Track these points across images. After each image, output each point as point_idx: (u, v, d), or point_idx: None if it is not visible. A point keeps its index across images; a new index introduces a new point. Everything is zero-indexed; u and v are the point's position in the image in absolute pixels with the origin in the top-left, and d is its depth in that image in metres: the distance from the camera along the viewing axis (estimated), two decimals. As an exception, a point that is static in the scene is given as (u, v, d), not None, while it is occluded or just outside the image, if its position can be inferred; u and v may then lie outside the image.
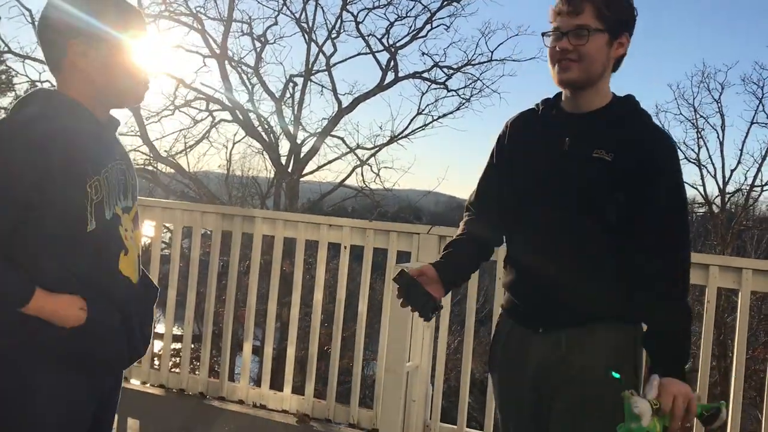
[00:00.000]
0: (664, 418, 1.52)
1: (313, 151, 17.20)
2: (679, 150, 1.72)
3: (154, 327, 1.73)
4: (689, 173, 17.82)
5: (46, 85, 16.40)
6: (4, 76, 17.76)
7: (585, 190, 1.64)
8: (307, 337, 3.84)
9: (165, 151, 16.47)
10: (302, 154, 17.10)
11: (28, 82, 16.66)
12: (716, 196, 18.01)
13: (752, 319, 12.59)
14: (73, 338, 1.48)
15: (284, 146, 17.30)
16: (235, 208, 5.33)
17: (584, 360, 1.66)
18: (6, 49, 16.48)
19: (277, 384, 3.81)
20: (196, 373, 4.02)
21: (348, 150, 17.26)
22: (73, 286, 1.48)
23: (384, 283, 3.47)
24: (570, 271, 1.67)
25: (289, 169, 16.65)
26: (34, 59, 16.56)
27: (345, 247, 3.60)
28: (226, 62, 16.70)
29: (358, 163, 17.13)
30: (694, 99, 18.67)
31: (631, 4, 1.69)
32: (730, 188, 17.93)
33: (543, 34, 1.69)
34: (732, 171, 17.79)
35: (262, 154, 17.06)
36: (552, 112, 1.76)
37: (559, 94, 1.79)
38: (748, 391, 14.84)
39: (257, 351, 5.69)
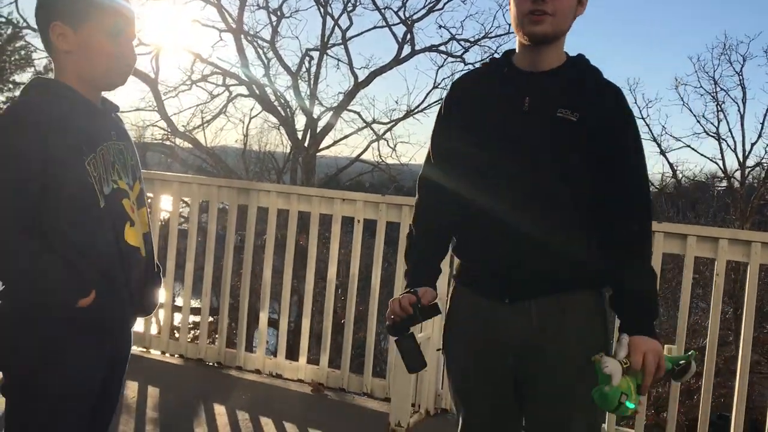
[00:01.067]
0: (636, 376, 1.52)
1: (329, 125, 17.23)
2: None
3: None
4: (709, 147, 17.59)
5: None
6: (23, 52, 17.92)
7: (551, 150, 1.60)
8: (322, 309, 3.92)
9: (182, 126, 16.59)
10: (318, 129, 17.13)
11: (47, 57, 16.81)
12: (736, 170, 17.85)
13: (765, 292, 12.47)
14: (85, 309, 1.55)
15: (300, 121, 17.36)
16: (251, 182, 5.39)
17: (560, 344, 1.62)
18: (25, 24, 16.60)
19: (293, 356, 3.92)
20: (215, 344, 4.13)
21: (364, 125, 17.27)
22: (81, 261, 1.54)
23: (397, 255, 3.53)
24: (538, 234, 1.60)
25: (306, 144, 16.69)
26: (53, 34, 16.68)
27: (358, 221, 3.65)
28: (243, 36, 16.70)
29: (375, 137, 17.15)
30: (714, 71, 18.43)
31: None
32: (750, 162, 17.75)
33: None
34: (753, 144, 17.63)
35: (279, 129, 17.11)
36: (504, 70, 1.69)
37: (507, 53, 1.73)
38: (764, 365, 14.77)
39: (274, 323, 5.79)
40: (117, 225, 1.60)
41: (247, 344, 4.13)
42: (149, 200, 3.75)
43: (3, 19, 16.72)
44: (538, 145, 1.60)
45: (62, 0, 1.57)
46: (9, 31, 17.21)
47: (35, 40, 17.17)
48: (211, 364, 3.95)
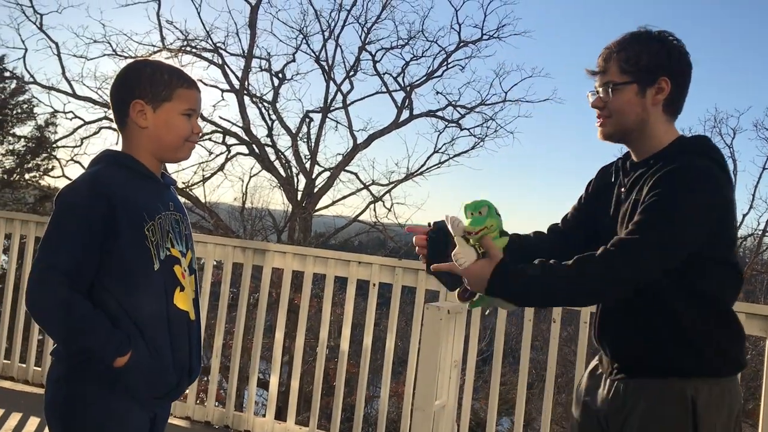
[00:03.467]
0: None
1: (327, 185, 17.37)
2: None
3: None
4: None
5: (69, 115, 16.80)
6: (26, 106, 18.12)
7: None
8: (332, 371, 3.90)
9: (183, 182, 16.70)
10: (316, 189, 17.27)
11: (51, 112, 17.02)
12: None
13: None
14: (127, 371, 1.61)
15: (300, 180, 17.51)
16: (268, 243, 5.43)
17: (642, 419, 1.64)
18: (31, 80, 16.88)
19: (301, 418, 3.87)
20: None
21: (362, 186, 17.42)
22: (128, 322, 1.61)
23: (411, 320, 3.54)
24: (618, 319, 1.71)
25: (304, 204, 16.80)
26: (59, 90, 16.96)
27: (374, 285, 3.67)
28: (246, 97, 17.01)
29: (372, 198, 17.28)
30: (706, 144, 18.74)
31: (660, 48, 1.68)
32: (742, 232, 17.93)
33: (588, 94, 1.76)
34: (744, 216, 17.83)
35: (279, 188, 17.24)
36: (623, 164, 1.80)
37: None
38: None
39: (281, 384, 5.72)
40: (168, 289, 1.68)
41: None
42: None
43: (8, 74, 17.01)
44: (618, 229, 1.67)
45: (146, 81, 1.69)
46: (13, 85, 17.47)
47: (41, 95, 17.46)
48: (217, 427, 3.90)
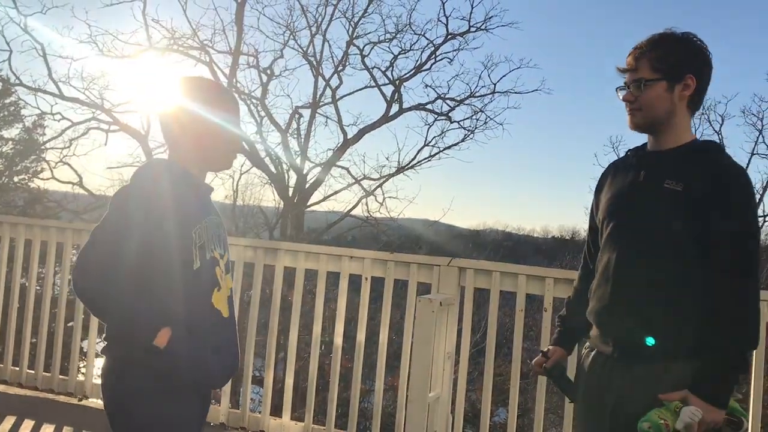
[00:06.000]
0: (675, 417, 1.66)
1: (318, 181, 17.36)
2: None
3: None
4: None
5: (56, 117, 16.72)
6: (12, 108, 18.01)
7: (655, 217, 1.79)
8: (328, 367, 3.90)
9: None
10: (308, 185, 17.26)
11: (38, 114, 16.92)
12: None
13: None
14: (173, 362, 1.71)
15: (291, 176, 17.49)
16: (260, 240, 5.41)
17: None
18: (17, 81, 16.76)
19: (296, 413, 3.88)
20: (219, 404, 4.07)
21: (354, 181, 17.42)
22: (168, 318, 1.71)
23: (405, 313, 3.54)
24: (636, 298, 1.80)
25: (296, 200, 16.78)
26: (45, 92, 16.85)
27: (366, 279, 3.68)
28: (235, 94, 16.93)
29: (364, 193, 17.29)
30: (696, 131, 18.83)
31: (686, 48, 1.86)
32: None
33: (617, 89, 1.92)
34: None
35: (270, 185, 17.22)
36: (639, 153, 1.95)
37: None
38: None
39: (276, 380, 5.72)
40: (208, 289, 1.79)
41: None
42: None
43: (-6, 76, 16.89)
44: (644, 212, 1.82)
45: (185, 100, 1.82)
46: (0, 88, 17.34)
47: (28, 96, 17.34)
48: (212, 424, 3.90)
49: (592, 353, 1.95)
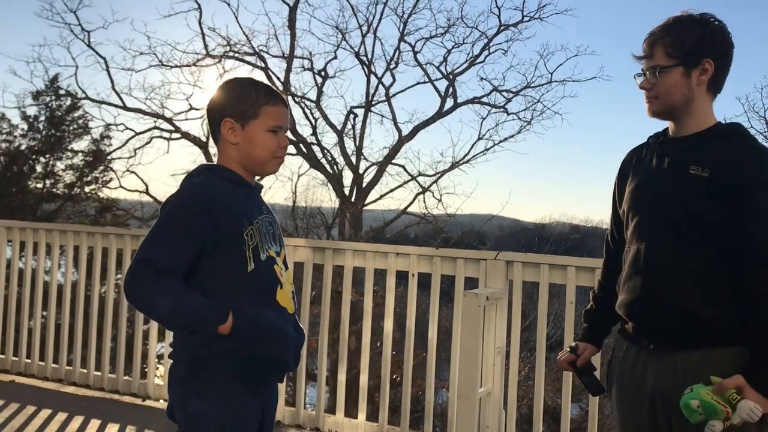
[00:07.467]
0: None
1: (375, 180, 17.43)
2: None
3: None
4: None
5: (120, 128, 17.34)
6: (81, 121, 18.76)
7: (682, 204, 1.74)
8: (378, 365, 3.91)
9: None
10: (364, 184, 17.34)
11: (104, 125, 17.58)
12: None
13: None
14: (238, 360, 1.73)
15: (347, 176, 17.62)
16: (308, 240, 5.49)
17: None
18: (84, 95, 17.47)
19: (349, 411, 3.90)
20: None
21: (409, 177, 17.41)
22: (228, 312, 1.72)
23: (452, 309, 3.52)
24: (669, 288, 1.75)
25: (353, 199, 16.90)
26: (109, 104, 17.52)
27: (413, 275, 3.67)
28: (290, 97, 17.19)
29: (420, 190, 17.25)
30: (765, 111, 18.01)
31: (702, 31, 1.78)
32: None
33: (635, 76, 1.87)
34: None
35: (327, 186, 17.39)
36: (660, 140, 1.90)
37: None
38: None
39: (327, 380, 5.79)
40: (270, 288, 1.80)
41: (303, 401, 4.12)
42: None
43: (63, 92, 17.65)
44: (670, 198, 1.77)
45: (234, 101, 1.83)
46: (68, 102, 18.10)
47: (93, 109, 18.04)
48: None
49: (624, 346, 1.89)
